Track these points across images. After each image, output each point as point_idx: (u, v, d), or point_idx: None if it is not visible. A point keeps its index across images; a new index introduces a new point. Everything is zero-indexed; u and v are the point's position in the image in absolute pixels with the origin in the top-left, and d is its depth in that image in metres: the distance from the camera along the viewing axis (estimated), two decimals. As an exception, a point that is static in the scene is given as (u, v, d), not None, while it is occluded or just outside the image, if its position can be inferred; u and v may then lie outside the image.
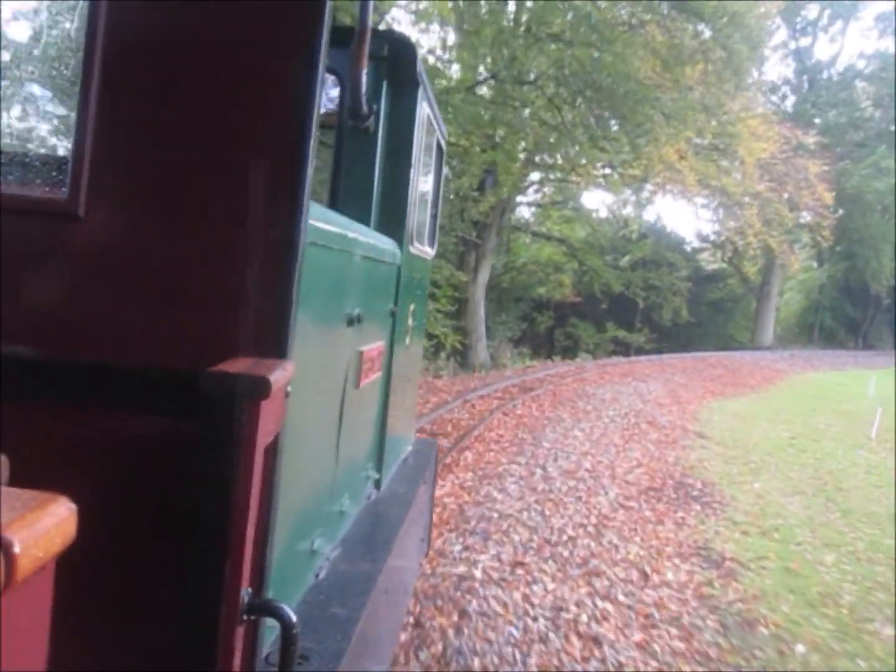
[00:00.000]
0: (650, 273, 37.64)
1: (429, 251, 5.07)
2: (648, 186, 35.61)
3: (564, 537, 7.83)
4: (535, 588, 6.44)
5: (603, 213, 39.50)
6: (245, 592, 1.63)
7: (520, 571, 6.78)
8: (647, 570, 7.15)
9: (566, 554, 7.34)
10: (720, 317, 42.22)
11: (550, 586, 6.51)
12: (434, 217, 5.16)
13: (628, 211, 39.63)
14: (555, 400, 16.38)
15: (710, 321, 41.23)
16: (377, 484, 4.03)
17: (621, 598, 6.41)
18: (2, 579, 0.73)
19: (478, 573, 6.61)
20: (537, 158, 25.83)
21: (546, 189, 31.62)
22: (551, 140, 20.80)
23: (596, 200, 36.42)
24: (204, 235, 1.83)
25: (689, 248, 43.49)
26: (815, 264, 47.34)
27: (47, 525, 0.81)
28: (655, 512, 9.18)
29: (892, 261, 41.34)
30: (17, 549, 0.74)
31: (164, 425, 1.76)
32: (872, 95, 37.41)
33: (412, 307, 4.53)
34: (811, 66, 38.99)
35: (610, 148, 18.82)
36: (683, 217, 68.46)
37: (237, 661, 1.62)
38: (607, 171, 24.98)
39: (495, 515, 8.25)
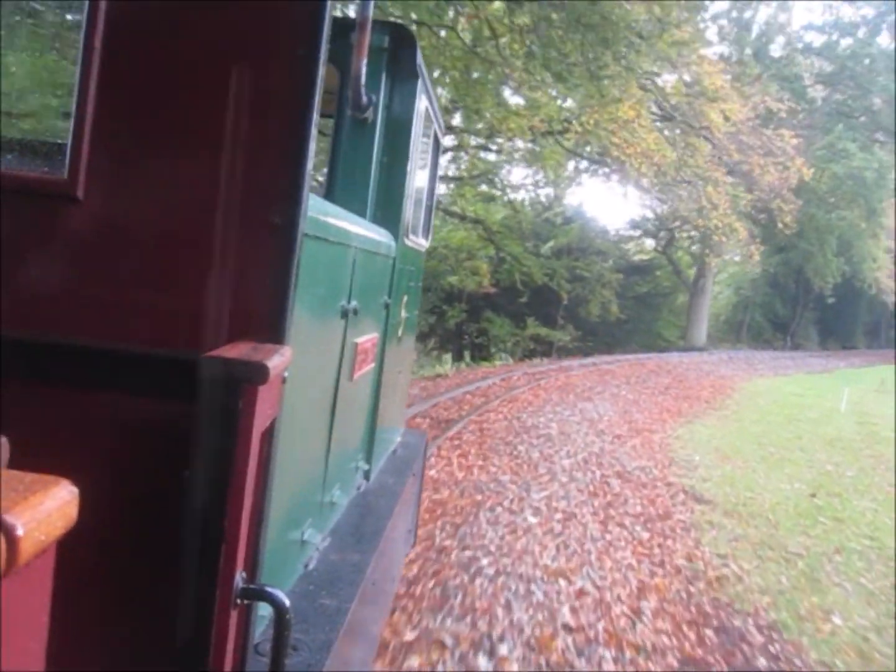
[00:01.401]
0: (577, 262, 33.02)
1: (423, 243, 5.07)
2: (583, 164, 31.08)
3: None
4: None
5: (521, 195, 34.65)
6: (239, 577, 1.62)
7: None
8: None
9: None
10: (648, 313, 38.11)
11: None
12: (429, 209, 5.15)
13: (548, 193, 34.96)
14: (482, 443, 11.12)
15: (638, 318, 37.04)
16: (367, 475, 4.02)
17: None
18: (4, 563, 0.71)
19: None
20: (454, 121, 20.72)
21: (462, 158, 26.40)
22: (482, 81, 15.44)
23: (517, 178, 31.05)
24: (203, 220, 1.84)
25: (613, 237, 39.25)
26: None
27: (49, 508, 0.79)
28: None
29: (836, 256, 38.19)
30: (20, 532, 0.73)
31: (162, 409, 1.76)
32: (821, 72, 33.94)
33: (405, 299, 4.52)
34: (755, 38, 35.12)
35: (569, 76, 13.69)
36: (607, 203, 64.07)
37: (230, 646, 1.63)
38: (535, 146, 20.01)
39: None
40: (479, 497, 8.18)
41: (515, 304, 32.53)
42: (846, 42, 33.16)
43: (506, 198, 32.47)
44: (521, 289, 30.55)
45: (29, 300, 1.82)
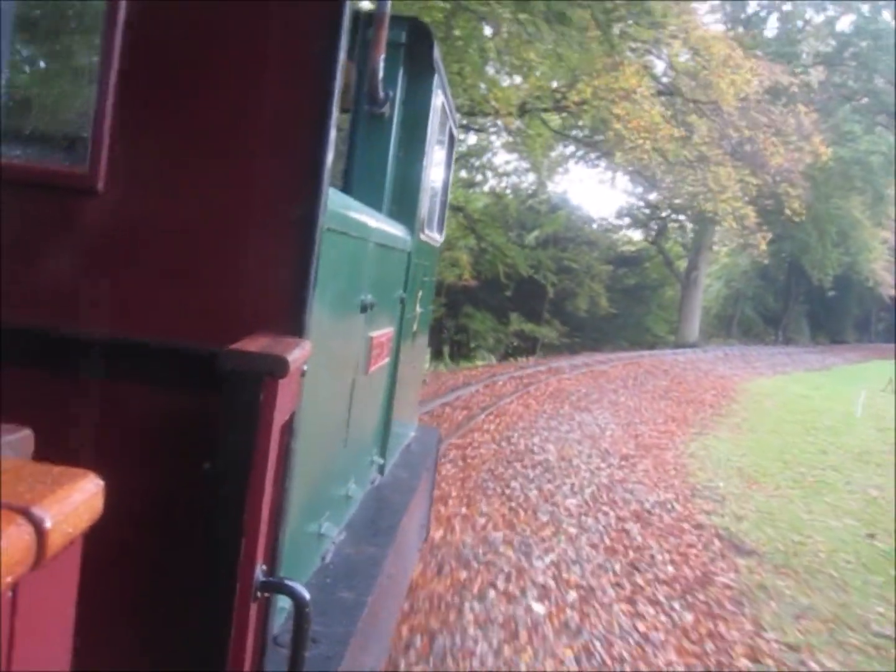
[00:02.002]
0: (564, 253, 30.81)
1: (437, 238, 5.05)
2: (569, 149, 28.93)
3: None
4: None
5: (504, 182, 32.37)
6: (259, 570, 1.63)
7: None
8: None
9: None
10: (637, 307, 35.98)
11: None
12: (443, 204, 5.13)
13: (532, 180, 32.71)
14: (466, 479, 8.78)
15: (627, 312, 34.86)
16: (381, 469, 4.01)
17: None
18: (33, 555, 0.71)
19: None
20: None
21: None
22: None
23: (500, 163, 28.76)
24: (223, 213, 1.85)
25: (601, 227, 37.09)
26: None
27: (76, 501, 0.79)
28: None
29: (836, 247, 36.26)
30: (48, 525, 0.72)
31: (183, 402, 1.77)
32: (820, 52, 31.83)
33: (420, 294, 4.50)
34: (749, 16, 32.98)
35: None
36: (594, 191, 61.91)
37: (250, 638, 1.63)
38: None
39: None
40: (463, 575, 5.91)
41: (498, 298, 30.27)
42: (848, 19, 31.23)
43: (488, 184, 30.19)
44: (504, 281, 28.26)
45: (50, 292, 1.84)
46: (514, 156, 29.46)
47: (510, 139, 25.73)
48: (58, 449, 1.05)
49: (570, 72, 13.77)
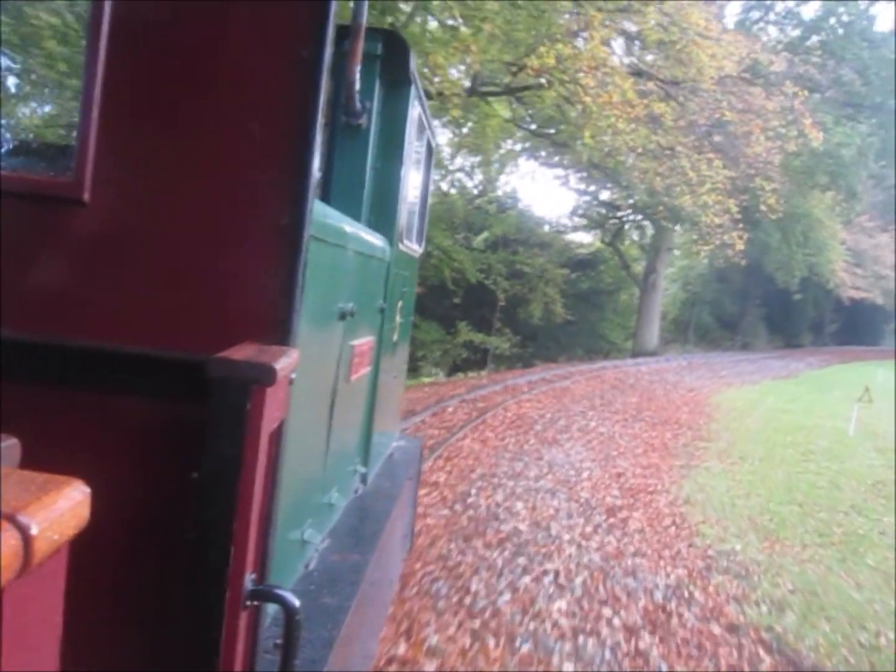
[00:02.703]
0: (515, 256, 28.32)
1: (416, 248, 5.06)
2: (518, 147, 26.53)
3: None
4: None
5: (448, 182, 29.77)
6: (249, 578, 1.62)
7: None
8: None
9: None
10: (593, 313, 33.68)
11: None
12: (422, 215, 5.15)
13: (479, 180, 30.23)
14: (406, 583, 6.03)
15: (582, 319, 32.52)
16: (364, 478, 4.01)
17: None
18: (18, 562, 0.71)
19: None
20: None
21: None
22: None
23: (443, 158, 26.10)
24: (210, 222, 1.85)
25: (550, 229, 34.71)
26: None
27: (62, 508, 0.79)
28: None
29: (799, 247, 34.50)
30: (34, 531, 0.72)
31: (170, 411, 1.77)
32: (782, 40, 29.94)
33: (400, 304, 4.51)
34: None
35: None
36: (545, 190, 59.76)
37: (240, 647, 1.62)
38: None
39: None
40: None
41: (445, 306, 27.62)
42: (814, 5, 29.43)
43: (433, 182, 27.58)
44: (451, 288, 25.65)
45: (36, 302, 1.83)
46: (462, 151, 26.92)
47: (455, 134, 23.19)
48: (46, 458, 1.03)
49: (529, 32, 11.31)
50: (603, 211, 32.67)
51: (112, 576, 1.72)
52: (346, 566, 2.97)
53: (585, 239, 35.71)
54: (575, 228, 35.34)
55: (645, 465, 11.92)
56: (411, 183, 4.37)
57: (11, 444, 1.08)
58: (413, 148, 4.20)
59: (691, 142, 17.85)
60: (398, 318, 4.47)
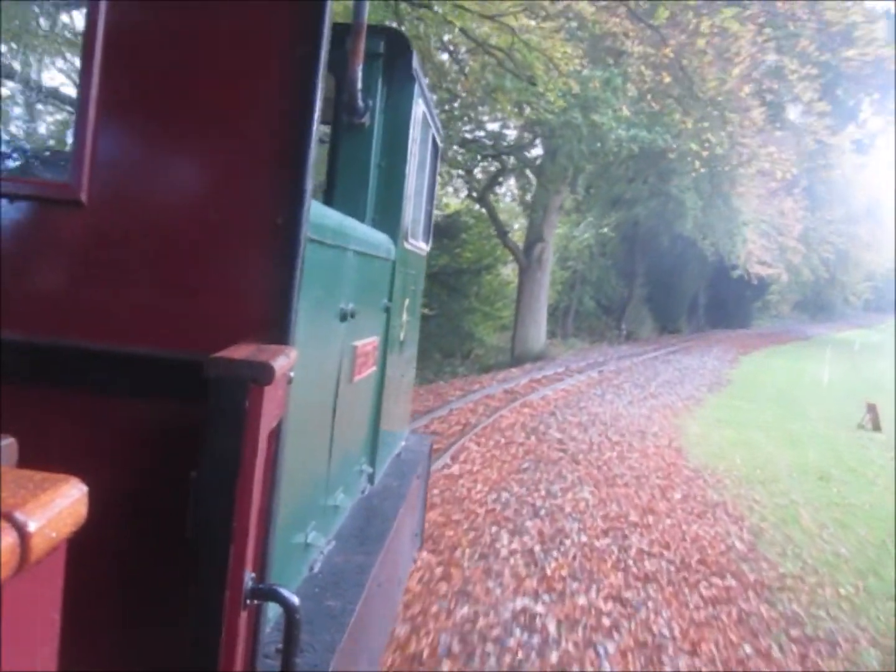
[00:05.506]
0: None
1: (423, 246, 5.06)
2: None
3: None
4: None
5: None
6: (248, 577, 1.62)
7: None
8: None
9: None
10: (453, 303, 24.01)
11: None
12: (429, 213, 5.16)
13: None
14: None
15: (440, 312, 22.81)
16: (371, 478, 4.02)
17: None
18: (16, 560, 0.71)
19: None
20: None
21: None
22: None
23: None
24: (207, 222, 1.85)
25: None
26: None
27: (60, 506, 0.79)
28: None
29: (696, 209, 26.35)
30: (31, 529, 0.72)
31: (169, 410, 1.77)
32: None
33: (406, 302, 4.51)
34: None
35: None
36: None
37: (240, 646, 1.63)
38: None
39: None
40: None
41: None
42: None
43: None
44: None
45: (34, 304, 1.84)
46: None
47: None
48: (44, 457, 1.02)
49: None
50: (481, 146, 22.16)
51: (110, 574, 1.71)
52: (352, 567, 2.93)
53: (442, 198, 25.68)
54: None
55: None
56: (416, 181, 4.33)
57: (9, 444, 1.05)
58: (417, 146, 4.14)
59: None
60: (405, 317, 4.43)
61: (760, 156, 18.64)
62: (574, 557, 6.84)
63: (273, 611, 1.89)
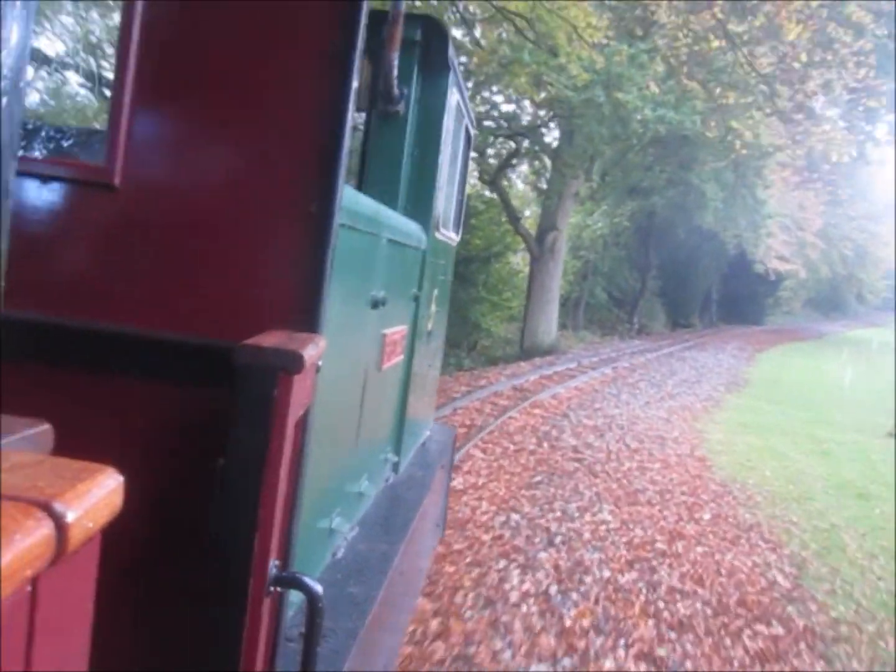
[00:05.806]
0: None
1: (454, 237, 5.03)
2: None
3: None
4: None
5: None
6: (273, 564, 1.61)
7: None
8: None
9: None
10: (461, 291, 22.91)
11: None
12: (460, 203, 5.10)
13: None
14: None
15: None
16: (395, 467, 3.98)
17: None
18: (53, 550, 0.70)
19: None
20: None
21: None
22: None
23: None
24: (239, 208, 1.83)
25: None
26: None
27: (97, 496, 0.79)
28: None
29: (717, 200, 25.14)
30: (69, 520, 0.72)
31: (197, 397, 1.75)
32: None
33: (436, 292, 4.47)
34: None
35: None
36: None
37: (263, 633, 1.62)
38: None
39: None
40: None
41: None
42: None
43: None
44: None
45: (67, 287, 1.82)
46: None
47: None
48: (73, 444, 1.02)
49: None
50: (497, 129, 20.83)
51: (136, 562, 1.68)
52: (375, 555, 2.93)
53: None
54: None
55: None
56: (449, 171, 4.30)
57: (45, 430, 1.04)
58: (451, 136, 4.12)
59: None
60: (433, 307, 4.39)
61: (815, 134, 17.47)
62: (597, 601, 5.77)
63: (297, 595, 1.88)
